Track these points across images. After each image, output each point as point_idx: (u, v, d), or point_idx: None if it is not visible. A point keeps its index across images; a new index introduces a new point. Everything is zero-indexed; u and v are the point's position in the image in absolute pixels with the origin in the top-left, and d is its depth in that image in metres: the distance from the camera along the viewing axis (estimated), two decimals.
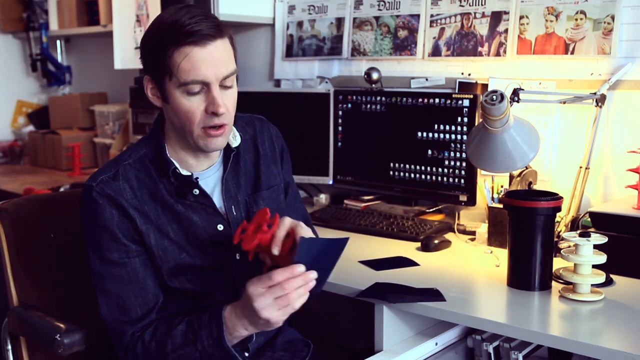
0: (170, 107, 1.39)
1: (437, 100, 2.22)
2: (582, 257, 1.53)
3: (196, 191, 1.45)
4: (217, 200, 1.49)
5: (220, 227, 1.47)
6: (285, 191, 1.65)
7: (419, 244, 2.00)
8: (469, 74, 2.28)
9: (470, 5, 2.26)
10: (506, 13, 2.18)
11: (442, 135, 2.21)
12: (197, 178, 1.46)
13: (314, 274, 1.28)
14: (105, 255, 1.41)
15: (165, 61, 1.34)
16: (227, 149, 1.51)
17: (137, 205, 1.42)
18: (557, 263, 1.65)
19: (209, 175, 1.50)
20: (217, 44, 1.35)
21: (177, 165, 1.44)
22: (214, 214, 1.47)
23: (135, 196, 1.42)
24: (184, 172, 1.45)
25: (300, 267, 1.27)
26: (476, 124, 2.07)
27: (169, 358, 1.37)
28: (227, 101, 1.39)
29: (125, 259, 1.41)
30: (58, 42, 3.97)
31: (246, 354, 1.53)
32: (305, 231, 1.33)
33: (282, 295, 1.26)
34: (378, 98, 2.36)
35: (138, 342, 1.39)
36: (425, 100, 2.24)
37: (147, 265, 1.44)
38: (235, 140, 1.53)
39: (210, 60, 1.34)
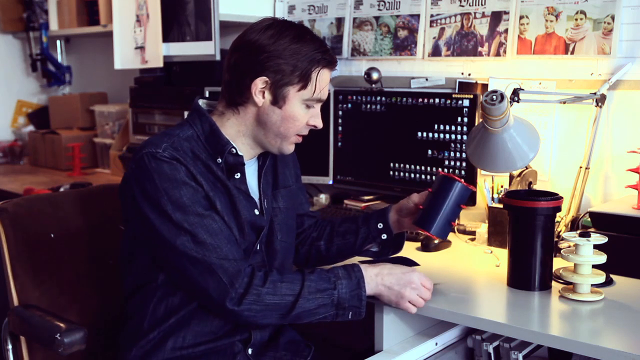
0: (279, 111, 1.51)
1: (437, 100, 2.22)
2: (582, 257, 1.53)
3: (238, 175, 1.53)
4: (253, 190, 1.58)
5: (256, 212, 1.56)
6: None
7: (419, 244, 2.00)
8: (469, 74, 2.28)
9: (470, 5, 2.26)
10: (506, 13, 2.18)
11: (442, 135, 2.21)
12: (244, 162, 1.55)
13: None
14: (191, 210, 1.43)
15: (308, 75, 1.49)
16: None
17: (198, 174, 1.46)
18: (557, 263, 1.65)
19: (248, 165, 1.58)
20: None
21: (234, 145, 1.52)
22: (248, 198, 1.55)
23: (195, 166, 1.47)
24: (239, 153, 1.53)
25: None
26: (476, 124, 2.07)
27: (302, 300, 1.43)
28: None
29: (209, 209, 1.45)
30: (58, 42, 3.97)
31: (249, 351, 1.54)
32: None
33: (423, 297, 1.51)
34: (378, 98, 2.36)
35: (267, 283, 1.43)
36: (425, 100, 2.24)
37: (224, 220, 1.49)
38: None
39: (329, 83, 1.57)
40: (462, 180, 1.60)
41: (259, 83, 1.49)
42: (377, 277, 1.49)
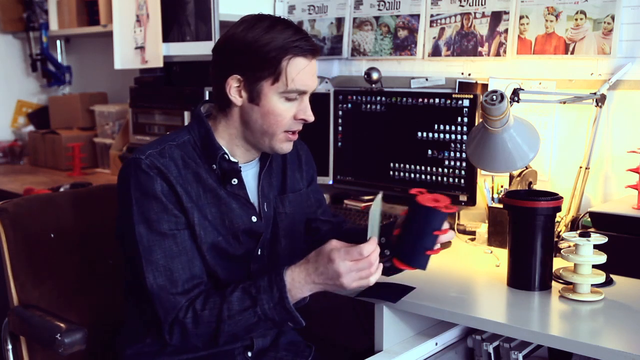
0: (257, 108, 1.46)
1: (437, 100, 2.22)
2: (582, 257, 1.53)
3: (235, 180, 1.50)
4: (252, 194, 1.55)
5: (254, 219, 1.52)
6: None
7: None
8: (469, 74, 2.28)
9: (470, 5, 2.26)
10: (506, 13, 2.18)
11: (442, 135, 2.21)
12: (240, 168, 1.51)
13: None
14: (155, 226, 1.41)
15: (278, 66, 1.42)
16: None
17: (182, 183, 1.44)
18: (557, 263, 1.65)
19: (247, 169, 1.55)
20: (315, 61, 1.48)
21: (226, 151, 1.49)
22: (247, 205, 1.52)
23: (180, 175, 1.45)
24: (233, 159, 1.50)
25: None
26: (476, 124, 2.07)
27: (223, 325, 1.38)
28: None
29: (174, 230, 1.43)
30: (58, 42, 3.96)
31: (249, 354, 1.54)
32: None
33: (366, 269, 1.34)
34: (378, 98, 2.36)
35: (188, 313, 1.39)
36: (425, 100, 2.24)
37: (194, 240, 1.46)
38: None
39: (312, 73, 1.47)
40: (441, 202, 1.40)
41: (232, 82, 1.45)
42: (306, 279, 1.37)
